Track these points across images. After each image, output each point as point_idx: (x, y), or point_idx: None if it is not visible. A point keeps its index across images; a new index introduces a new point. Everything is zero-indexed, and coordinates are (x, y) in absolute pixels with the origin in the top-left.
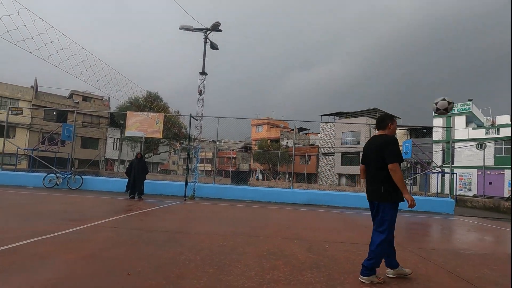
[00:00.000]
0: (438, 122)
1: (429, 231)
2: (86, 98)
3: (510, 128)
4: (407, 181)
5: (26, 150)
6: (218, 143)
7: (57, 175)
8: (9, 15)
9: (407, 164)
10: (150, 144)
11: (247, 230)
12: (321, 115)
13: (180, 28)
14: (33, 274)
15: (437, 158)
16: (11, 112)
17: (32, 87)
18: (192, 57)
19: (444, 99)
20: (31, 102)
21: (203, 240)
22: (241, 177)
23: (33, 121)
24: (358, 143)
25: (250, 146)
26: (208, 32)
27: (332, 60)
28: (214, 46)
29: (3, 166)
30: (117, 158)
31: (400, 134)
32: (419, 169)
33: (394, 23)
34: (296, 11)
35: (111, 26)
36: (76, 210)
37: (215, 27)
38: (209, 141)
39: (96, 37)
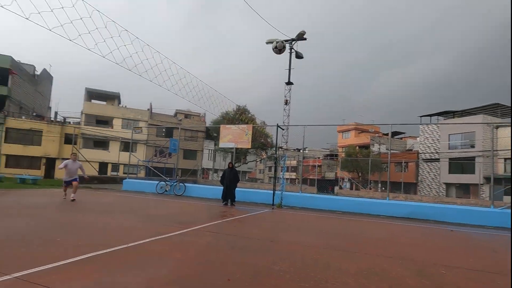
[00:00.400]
0: None
1: None
2: (187, 115)
3: None
4: None
5: (144, 162)
6: (303, 151)
7: (166, 182)
8: (136, 53)
9: None
10: (239, 154)
11: (341, 243)
12: (420, 116)
13: (267, 43)
14: (153, 269)
15: None
16: (135, 131)
17: (148, 109)
18: (278, 69)
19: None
20: (147, 122)
21: (295, 251)
22: (327, 186)
23: (148, 137)
24: (472, 146)
25: (336, 153)
26: (293, 42)
27: (432, 53)
28: (299, 55)
29: (129, 175)
30: (211, 167)
31: None
32: None
33: None
34: (382, 4)
35: (203, 47)
36: (181, 214)
37: (300, 36)
38: (294, 150)
39: (191, 61)
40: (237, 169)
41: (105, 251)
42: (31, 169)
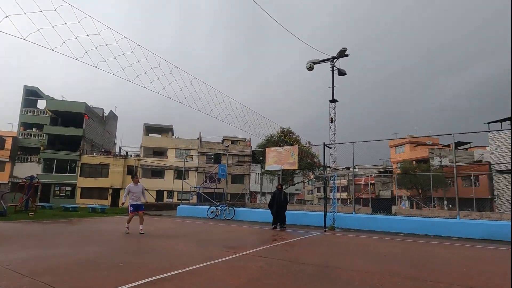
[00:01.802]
0: None
1: None
2: (233, 141)
3: None
4: None
5: (195, 188)
6: (353, 169)
7: (217, 207)
8: (186, 86)
9: None
10: (286, 176)
11: (408, 271)
12: (488, 123)
13: (309, 68)
14: None
15: None
16: (186, 160)
17: (198, 138)
18: (319, 88)
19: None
20: (197, 150)
21: (355, 279)
22: (382, 205)
23: (199, 164)
24: None
25: (391, 169)
26: (334, 60)
27: (496, 52)
28: (341, 72)
29: (182, 201)
30: (259, 190)
31: None
32: None
33: None
34: (431, 6)
35: (246, 76)
36: (232, 238)
37: (342, 54)
38: (343, 168)
39: (235, 88)
40: (285, 191)
41: (161, 276)
42: (100, 199)
